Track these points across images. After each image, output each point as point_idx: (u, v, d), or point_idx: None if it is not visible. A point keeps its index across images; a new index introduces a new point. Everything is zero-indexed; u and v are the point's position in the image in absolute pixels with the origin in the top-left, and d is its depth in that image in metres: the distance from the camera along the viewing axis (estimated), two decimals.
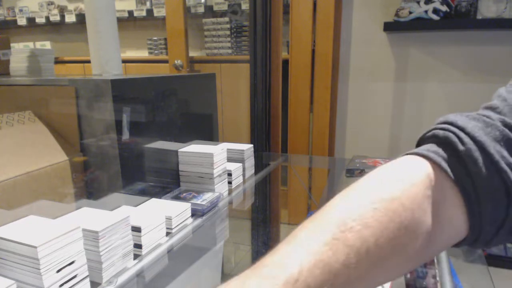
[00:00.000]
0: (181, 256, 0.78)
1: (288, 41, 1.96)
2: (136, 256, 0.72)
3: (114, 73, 1.18)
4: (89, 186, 0.87)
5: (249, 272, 0.30)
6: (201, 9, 2.57)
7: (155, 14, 2.76)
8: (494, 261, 1.77)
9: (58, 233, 0.55)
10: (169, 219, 0.82)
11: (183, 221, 0.87)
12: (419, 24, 1.76)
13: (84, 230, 0.61)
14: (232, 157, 1.20)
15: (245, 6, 2.49)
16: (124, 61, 1.68)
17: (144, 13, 2.81)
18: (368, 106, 2.01)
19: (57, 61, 2.85)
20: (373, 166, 1.04)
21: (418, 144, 0.41)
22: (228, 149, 1.16)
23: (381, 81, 1.96)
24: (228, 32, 2.49)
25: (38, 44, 3.18)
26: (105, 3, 1.14)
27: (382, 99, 1.98)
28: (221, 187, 1.05)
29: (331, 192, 1.27)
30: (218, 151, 1.03)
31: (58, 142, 0.83)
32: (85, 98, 0.83)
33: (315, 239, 0.31)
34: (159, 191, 0.98)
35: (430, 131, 0.39)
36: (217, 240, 0.90)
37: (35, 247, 0.52)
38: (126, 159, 0.85)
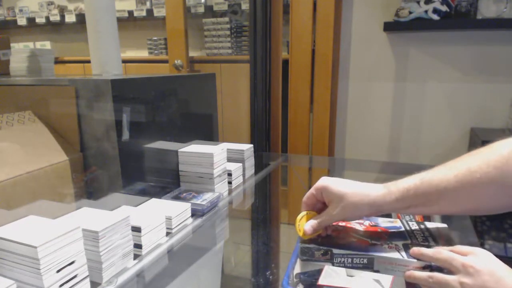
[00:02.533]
0: (181, 256, 0.78)
1: (288, 41, 1.96)
2: (136, 256, 0.72)
3: (114, 73, 1.18)
4: (89, 186, 0.87)
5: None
6: (201, 9, 2.58)
7: (155, 14, 2.76)
8: None
9: (58, 233, 0.55)
10: (169, 219, 0.82)
11: (183, 221, 0.87)
12: (419, 24, 1.75)
13: (84, 230, 0.61)
14: (232, 157, 1.20)
15: (245, 6, 2.49)
16: (124, 61, 1.68)
17: (144, 13, 2.81)
18: (368, 106, 2.01)
19: (57, 61, 2.85)
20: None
21: None
22: (228, 149, 1.16)
23: (381, 81, 1.96)
24: (228, 32, 2.49)
25: (38, 44, 3.18)
26: (105, 3, 1.15)
27: (382, 99, 1.97)
28: (221, 187, 1.05)
29: None
30: (218, 151, 1.03)
31: (58, 142, 0.83)
32: (85, 98, 0.83)
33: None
34: (159, 191, 0.98)
35: None
36: (217, 240, 0.90)
37: (35, 247, 0.52)
38: (126, 159, 0.85)
